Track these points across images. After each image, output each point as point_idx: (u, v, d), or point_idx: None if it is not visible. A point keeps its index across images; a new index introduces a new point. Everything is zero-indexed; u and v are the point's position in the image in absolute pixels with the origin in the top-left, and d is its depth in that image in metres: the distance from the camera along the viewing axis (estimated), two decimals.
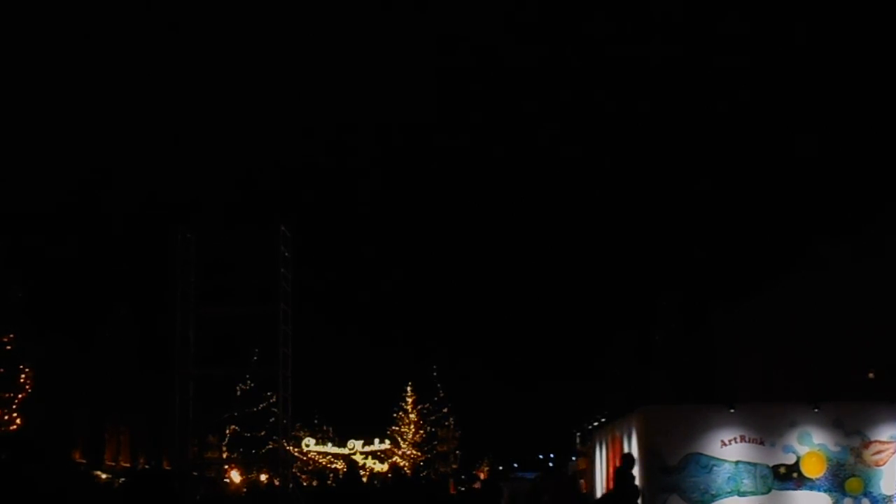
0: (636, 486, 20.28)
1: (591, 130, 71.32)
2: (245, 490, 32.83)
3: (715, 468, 20.37)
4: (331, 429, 54.83)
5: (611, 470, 25.32)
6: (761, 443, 20.46)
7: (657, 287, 45.24)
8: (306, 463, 51.00)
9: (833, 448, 20.40)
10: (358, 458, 48.20)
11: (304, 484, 34.82)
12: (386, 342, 64.53)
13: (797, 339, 28.96)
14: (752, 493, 20.32)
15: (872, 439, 20.47)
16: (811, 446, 20.43)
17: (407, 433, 55.03)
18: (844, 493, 20.26)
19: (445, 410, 56.55)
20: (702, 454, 20.42)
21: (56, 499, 7.47)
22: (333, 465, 50.31)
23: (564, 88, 72.10)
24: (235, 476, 42.04)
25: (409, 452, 54.21)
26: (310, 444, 51.86)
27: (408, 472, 44.83)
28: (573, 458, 48.61)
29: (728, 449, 20.44)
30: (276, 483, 23.42)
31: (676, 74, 63.74)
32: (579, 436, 47.90)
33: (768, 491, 20.32)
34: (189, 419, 20.70)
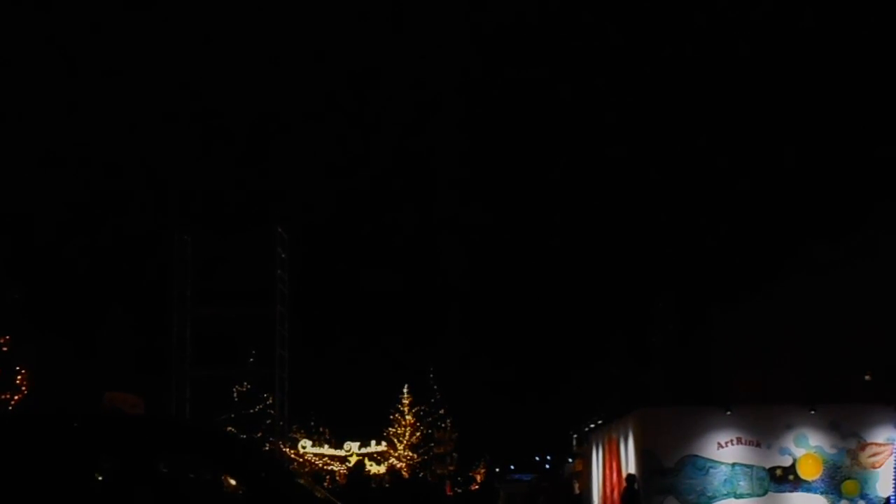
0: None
1: (588, 131, 71.31)
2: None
3: (711, 470, 20.43)
4: (327, 430, 54.75)
5: (607, 472, 25.35)
6: (758, 445, 20.52)
7: (654, 289, 45.24)
8: (302, 465, 50.94)
9: (829, 450, 20.45)
10: (354, 459, 48.17)
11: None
12: (383, 343, 64.49)
13: (793, 341, 28.98)
14: (749, 495, 20.38)
15: (868, 441, 20.53)
16: (807, 448, 20.48)
17: (403, 435, 54.97)
18: (841, 496, 20.32)
19: (442, 412, 56.50)
20: (698, 456, 20.47)
21: None
22: (330, 467, 50.24)
23: (560, 89, 72.08)
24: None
25: (405, 454, 54.15)
26: (306, 445, 51.79)
27: (405, 474, 44.78)
28: (570, 460, 48.53)
29: (724, 451, 20.49)
30: None
31: (673, 76, 63.81)
32: (576, 437, 47.85)
33: (765, 493, 20.37)
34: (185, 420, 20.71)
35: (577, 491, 28.36)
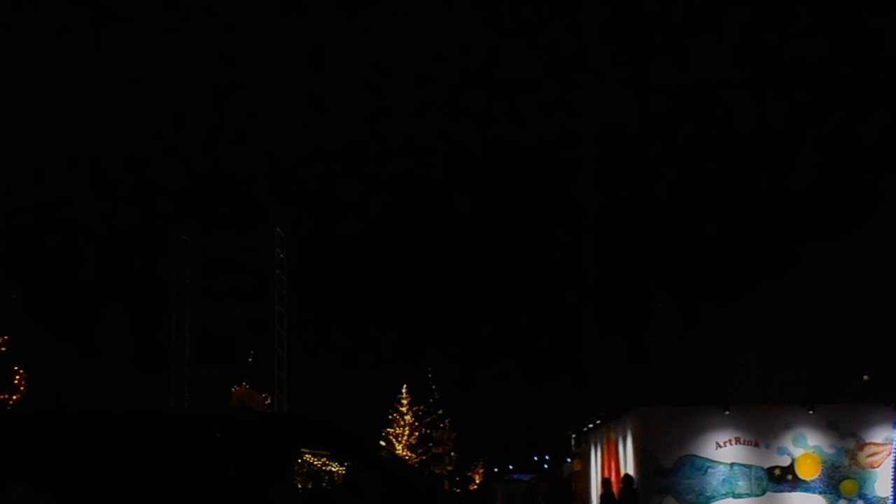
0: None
1: (586, 133, 71.41)
2: None
3: (710, 470, 20.43)
4: None
5: (606, 472, 25.34)
6: (756, 445, 20.52)
7: (652, 289, 45.26)
8: (301, 465, 50.97)
9: (828, 450, 20.46)
10: None
11: (300, 486, 34.72)
12: (381, 344, 64.63)
13: (792, 341, 28.93)
14: (747, 495, 20.39)
15: (867, 441, 20.54)
16: (806, 448, 20.49)
17: (402, 435, 54.99)
18: (839, 495, 20.33)
19: (441, 412, 56.54)
20: (696, 456, 20.47)
21: None
22: (328, 468, 50.30)
23: (560, 91, 72.25)
24: None
25: (404, 454, 54.16)
26: None
27: None
28: (568, 460, 48.55)
29: (723, 451, 20.49)
30: None
31: (671, 80, 63.92)
32: (574, 437, 47.86)
33: (763, 493, 20.38)
34: None
35: (578, 491, 28.34)
